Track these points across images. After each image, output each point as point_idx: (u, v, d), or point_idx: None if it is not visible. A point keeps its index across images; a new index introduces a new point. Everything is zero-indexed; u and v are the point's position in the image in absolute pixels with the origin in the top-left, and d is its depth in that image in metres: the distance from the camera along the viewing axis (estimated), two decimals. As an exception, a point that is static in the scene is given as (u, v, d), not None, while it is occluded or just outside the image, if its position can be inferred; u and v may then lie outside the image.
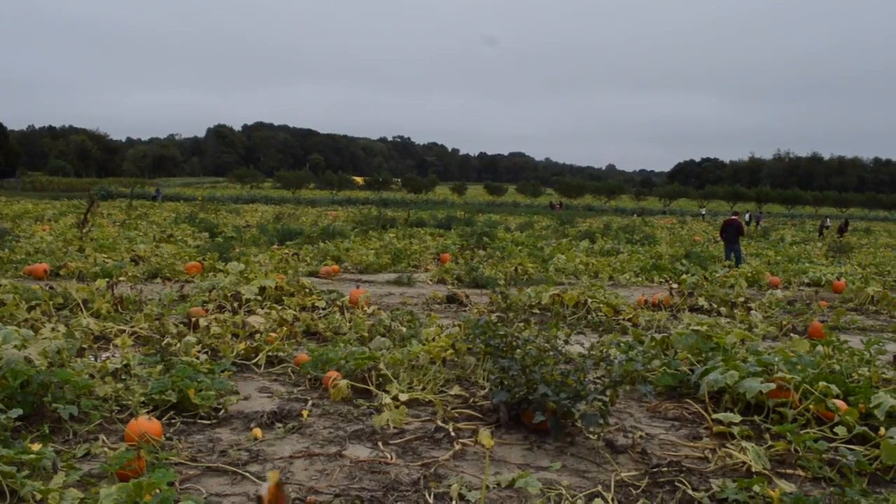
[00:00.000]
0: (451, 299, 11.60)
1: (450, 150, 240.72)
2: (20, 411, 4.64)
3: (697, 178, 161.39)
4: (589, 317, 10.12)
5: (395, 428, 5.18)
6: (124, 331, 7.65)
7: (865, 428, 4.97)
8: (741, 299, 11.72)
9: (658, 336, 7.41)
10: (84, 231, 19.57)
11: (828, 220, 55.55)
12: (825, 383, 5.42)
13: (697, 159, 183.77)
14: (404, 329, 7.93)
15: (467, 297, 11.75)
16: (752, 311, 10.80)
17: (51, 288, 9.43)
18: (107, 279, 10.13)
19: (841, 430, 4.97)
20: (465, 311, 10.66)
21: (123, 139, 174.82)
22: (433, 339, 6.94)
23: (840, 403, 5.34)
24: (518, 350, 5.65)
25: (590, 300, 10.54)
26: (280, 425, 5.20)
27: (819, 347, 7.22)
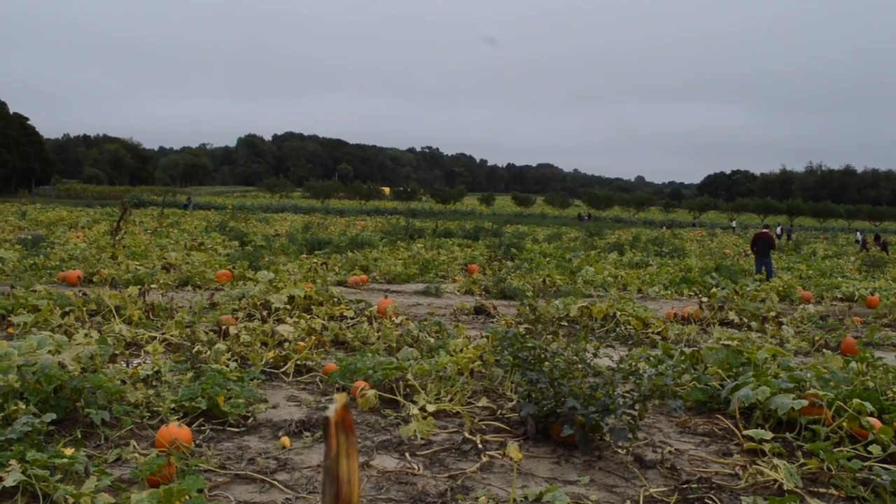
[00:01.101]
0: (479, 310, 11.59)
1: (478, 160, 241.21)
2: (54, 416, 4.71)
3: (727, 190, 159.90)
4: (618, 330, 10.05)
5: (422, 439, 5.19)
6: (155, 337, 7.74)
7: (901, 447, 4.87)
8: (772, 314, 11.56)
9: (688, 350, 7.34)
10: (117, 238, 19.88)
11: (858, 233, 54.64)
12: (859, 401, 5.33)
13: (728, 171, 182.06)
14: (432, 340, 7.94)
15: (495, 308, 11.73)
16: (783, 326, 10.65)
17: (84, 294, 9.59)
18: (138, 286, 10.27)
19: (875, 449, 4.87)
20: (492, 322, 10.64)
21: (156, 148, 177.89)
22: (461, 351, 6.93)
23: (874, 421, 5.24)
24: (546, 363, 5.63)
25: (618, 313, 10.47)
26: (308, 434, 5.23)
27: (852, 364, 7.09)
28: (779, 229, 54.08)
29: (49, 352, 5.66)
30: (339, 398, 0.79)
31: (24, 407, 4.79)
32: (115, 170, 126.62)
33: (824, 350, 9.36)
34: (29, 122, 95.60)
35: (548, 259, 21.00)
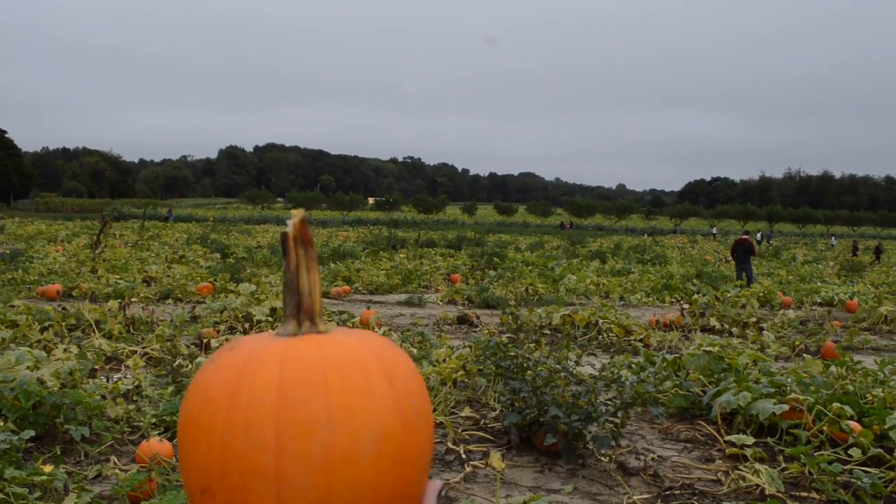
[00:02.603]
0: (462, 320, 11.60)
1: (460, 170, 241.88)
2: (32, 432, 4.65)
3: (708, 197, 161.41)
4: (600, 337, 10.09)
5: (405, 450, 5.17)
6: (136, 352, 7.68)
7: (880, 450, 4.92)
8: (753, 319, 11.66)
9: (669, 357, 7.37)
10: (97, 252, 19.71)
11: (833, 239, 55.26)
12: (839, 405, 5.39)
13: (708, 178, 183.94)
14: (415, 350, 7.92)
15: (478, 317, 11.74)
16: (764, 332, 10.74)
17: (63, 309, 9.50)
18: (119, 300, 10.19)
19: (855, 452, 4.92)
20: (475, 331, 10.65)
21: (136, 160, 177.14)
22: (444, 361, 6.93)
23: (854, 425, 5.29)
24: (529, 371, 5.64)
25: (601, 320, 10.51)
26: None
27: (832, 368, 7.17)
28: (759, 235, 54.57)
29: (28, 367, 5.59)
30: (297, 213, 0.78)
31: (2, 424, 4.73)
32: (95, 183, 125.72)
33: (805, 355, 9.45)
34: (7, 136, 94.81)
35: (530, 268, 21.05)
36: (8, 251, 19.85)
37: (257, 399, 0.70)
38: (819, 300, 16.48)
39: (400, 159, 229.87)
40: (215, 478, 0.69)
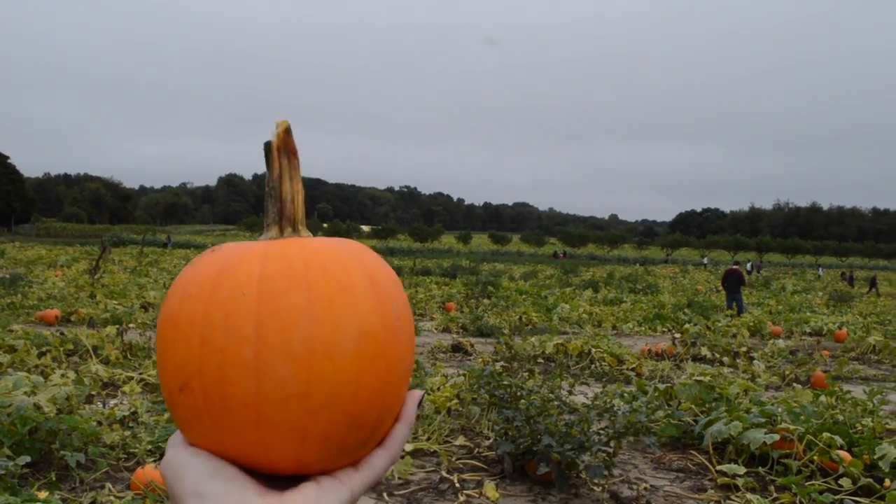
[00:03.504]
0: (456, 348, 11.63)
1: (455, 199, 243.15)
2: (28, 458, 4.67)
3: (699, 227, 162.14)
4: (593, 366, 10.14)
5: (399, 479, 5.20)
6: (132, 378, 7.69)
7: (870, 479, 4.98)
8: (744, 349, 11.73)
9: (661, 386, 7.43)
10: (95, 277, 19.72)
11: (821, 269, 55.60)
12: (829, 434, 5.45)
13: (699, 209, 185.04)
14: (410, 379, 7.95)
15: (472, 345, 11.78)
16: (754, 361, 10.81)
17: (61, 334, 9.52)
18: (116, 326, 10.21)
19: (846, 482, 4.97)
20: (469, 360, 10.69)
21: (136, 187, 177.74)
22: (438, 389, 6.97)
23: (844, 455, 5.35)
24: (522, 400, 5.69)
25: (593, 350, 10.57)
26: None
27: (822, 398, 7.24)
28: (749, 265, 54.78)
29: (25, 393, 5.61)
30: (281, 123, 0.78)
31: (-2, 450, 4.75)
32: (96, 208, 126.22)
33: (794, 384, 9.51)
34: (9, 161, 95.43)
35: (524, 296, 21.12)
36: (8, 276, 19.82)
37: (238, 291, 0.69)
38: (808, 330, 16.59)
39: (396, 188, 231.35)
40: (194, 373, 0.68)
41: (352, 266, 0.73)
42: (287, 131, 0.78)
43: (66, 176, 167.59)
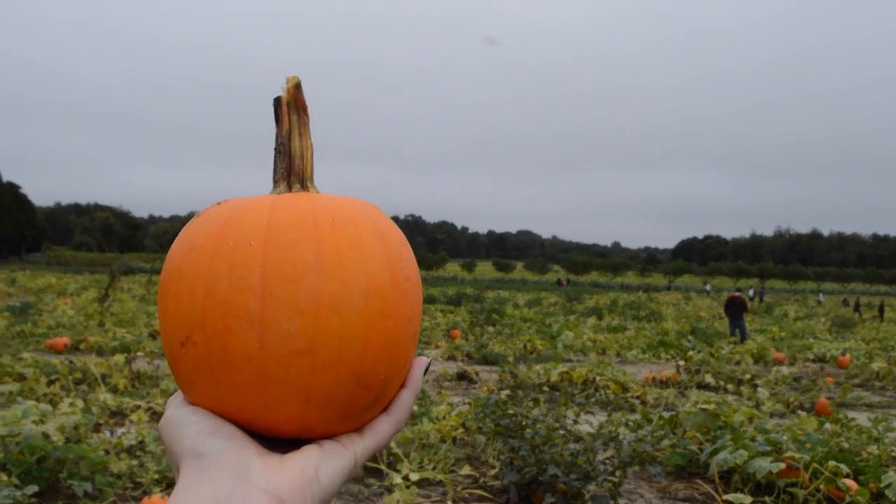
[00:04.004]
0: (461, 376, 11.64)
1: (459, 227, 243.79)
2: (36, 487, 4.71)
3: (701, 254, 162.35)
4: (597, 394, 10.14)
5: (406, 507, 5.20)
6: (140, 406, 7.72)
7: (876, 508, 4.98)
8: (747, 376, 11.74)
9: (666, 415, 7.44)
10: (104, 305, 19.79)
11: (821, 295, 55.54)
12: (835, 463, 5.45)
13: (700, 236, 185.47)
14: (415, 407, 7.98)
15: (477, 374, 11.78)
16: (758, 388, 10.81)
17: (70, 362, 9.58)
18: (125, 354, 10.26)
19: (851, 511, 4.98)
20: (475, 388, 10.69)
21: (146, 216, 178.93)
22: (444, 418, 6.99)
23: (850, 483, 5.35)
24: (528, 430, 5.71)
25: (598, 377, 10.58)
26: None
27: (827, 425, 7.24)
28: (751, 292, 54.82)
29: (33, 421, 5.65)
30: (291, 79, 0.76)
31: (6, 478, 4.78)
32: (106, 237, 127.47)
33: (799, 411, 9.50)
34: (21, 191, 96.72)
35: (528, 324, 21.13)
36: (18, 304, 19.97)
37: (244, 241, 0.67)
38: (812, 356, 16.57)
39: (401, 217, 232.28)
40: (197, 325, 0.66)
41: (362, 221, 0.72)
42: (297, 87, 0.78)
43: (77, 205, 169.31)
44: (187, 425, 0.66)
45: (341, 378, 0.66)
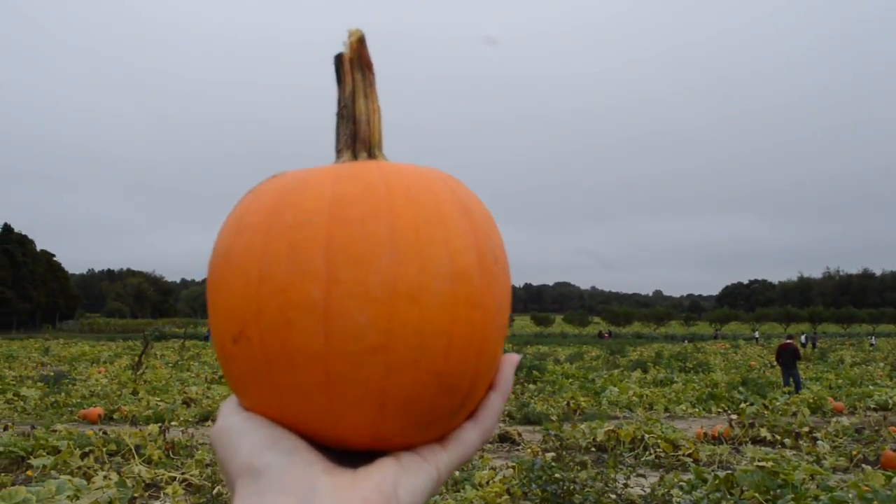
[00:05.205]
0: (504, 437, 11.35)
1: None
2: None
3: (746, 300, 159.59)
4: (647, 453, 9.78)
5: (451, 582, 4.97)
6: (175, 478, 7.61)
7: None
8: (805, 428, 11.25)
9: (721, 474, 7.09)
10: (138, 373, 19.94)
11: (873, 338, 53.90)
12: (907, 523, 5.10)
13: (745, 281, 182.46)
14: (457, 472, 7.74)
15: (520, 434, 11.49)
16: (818, 442, 10.34)
17: (104, 433, 9.54)
18: (159, 423, 10.22)
19: (931, 577, 4.62)
20: (518, 450, 10.40)
21: (178, 280, 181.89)
22: (487, 484, 6.74)
23: (926, 546, 4.99)
24: (577, 496, 5.46)
25: (647, 435, 10.21)
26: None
27: (895, 480, 6.83)
28: (803, 338, 53.36)
29: (68, 497, 5.57)
30: (354, 32, 0.66)
31: (41, 562, 4.67)
32: (138, 303, 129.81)
33: (863, 465, 9.05)
34: (55, 259, 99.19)
35: (570, 380, 20.72)
36: (52, 373, 20.23)
37: (304, 217, 0.57)
38: (873, 405, 15.90)
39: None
40: (251, 318, 0.56)
41: (442, 192, 0.61)
42: (361, 41, 0.67)
43: (110, 271, 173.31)
44: (242, 436, 0.57)
45: (422, 379, 0.56)
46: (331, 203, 0.57)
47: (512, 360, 0.65)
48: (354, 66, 0.68)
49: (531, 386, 19.45)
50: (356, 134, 0.67)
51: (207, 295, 0.62)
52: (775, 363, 22.68)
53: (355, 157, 0.67)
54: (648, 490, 6.00)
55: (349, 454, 0.58)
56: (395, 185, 0.59)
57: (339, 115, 0.68)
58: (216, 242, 0.63)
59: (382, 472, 0.54)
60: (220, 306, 0.59)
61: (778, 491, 6.43)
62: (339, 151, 0.68)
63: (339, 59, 0.68)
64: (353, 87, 0.68)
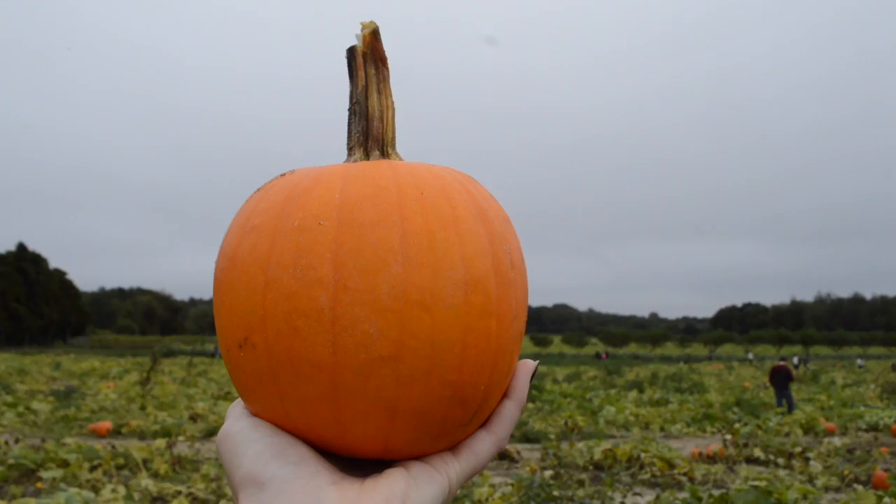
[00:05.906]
0: (502, 455, 11.47)
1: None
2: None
3: (740, 323, 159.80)
4: (643, 472, 9.92)
5: None
6: (181, 492, 7.74)
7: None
8: (798, 448, 11.39)
9: (716, 493, 7.26)
10: (146, 389, 20.07)
11: (860, 360, 54.13)
12: (895, 540, 5.26)
13: (739, 304, 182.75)
14: (457, 489, 7.88)
15: (518, 452, 11.61)
16: (810, 462, 10.48)
17: (112, 447, 9.69)
18: (166, 438, 10.35)
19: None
20: (516, 467, 10.53)
21: (187, 299, 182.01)
22: (486, 501, 6.89)
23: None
24: (575, 509, 5.62)
25: (643, 454, 10.36)
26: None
27: (886, 500, 6.99)
28: (795, 360, 53.57)
29: (79, 512, 5.70)
30: (367, 24, 0.63)
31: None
32: (147, 320, 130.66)
33: (855, 485, 9.19)
34: (67, 277, 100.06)
35: (568, 399, 20.84)
36: (63, 388, 20.43)
37: (312, 220, 0.54)
38: (864, 425, 16.04)
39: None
40: (256, 324, 0.54)
41: (457, 195, 0.58)
42: (375, 34, 0.65)
43: (120, 290, 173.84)
44: (247, 444, 0.55)
45: (434, 391, 0.54)
46: (340, 206, 0.55)
47: (528, 366, 0.64)
48: (368, 60, 0.66)
49: (530, 405, 19.56)
50: (369, 131, 0.65)
51: (214, 299, 0.60)
52: (769, 384, 22.83)
53: (367, 155, 0.65)
54: (645, 506, 6.16)
55: (358, 461, 0.58)
56: (408, 188, 0.57)
57: (352, 112, 0.66)
58: (223, 242, 0.61)
59: (390, 484, 0.52)
60: (224, 311, 0.58)
61: (771, 509, 6.59)
62: (350, 149, 0.66)
63: (351, 53, 0.66)
64: (365, 82, 0.66)
